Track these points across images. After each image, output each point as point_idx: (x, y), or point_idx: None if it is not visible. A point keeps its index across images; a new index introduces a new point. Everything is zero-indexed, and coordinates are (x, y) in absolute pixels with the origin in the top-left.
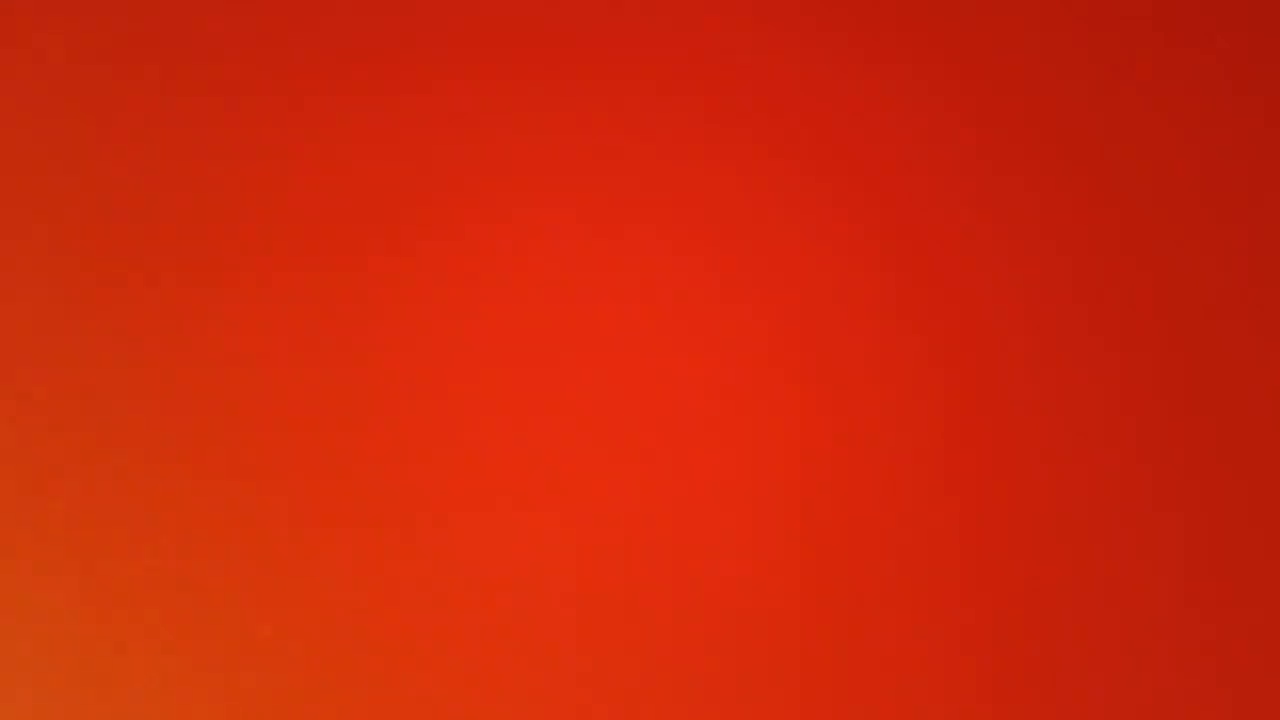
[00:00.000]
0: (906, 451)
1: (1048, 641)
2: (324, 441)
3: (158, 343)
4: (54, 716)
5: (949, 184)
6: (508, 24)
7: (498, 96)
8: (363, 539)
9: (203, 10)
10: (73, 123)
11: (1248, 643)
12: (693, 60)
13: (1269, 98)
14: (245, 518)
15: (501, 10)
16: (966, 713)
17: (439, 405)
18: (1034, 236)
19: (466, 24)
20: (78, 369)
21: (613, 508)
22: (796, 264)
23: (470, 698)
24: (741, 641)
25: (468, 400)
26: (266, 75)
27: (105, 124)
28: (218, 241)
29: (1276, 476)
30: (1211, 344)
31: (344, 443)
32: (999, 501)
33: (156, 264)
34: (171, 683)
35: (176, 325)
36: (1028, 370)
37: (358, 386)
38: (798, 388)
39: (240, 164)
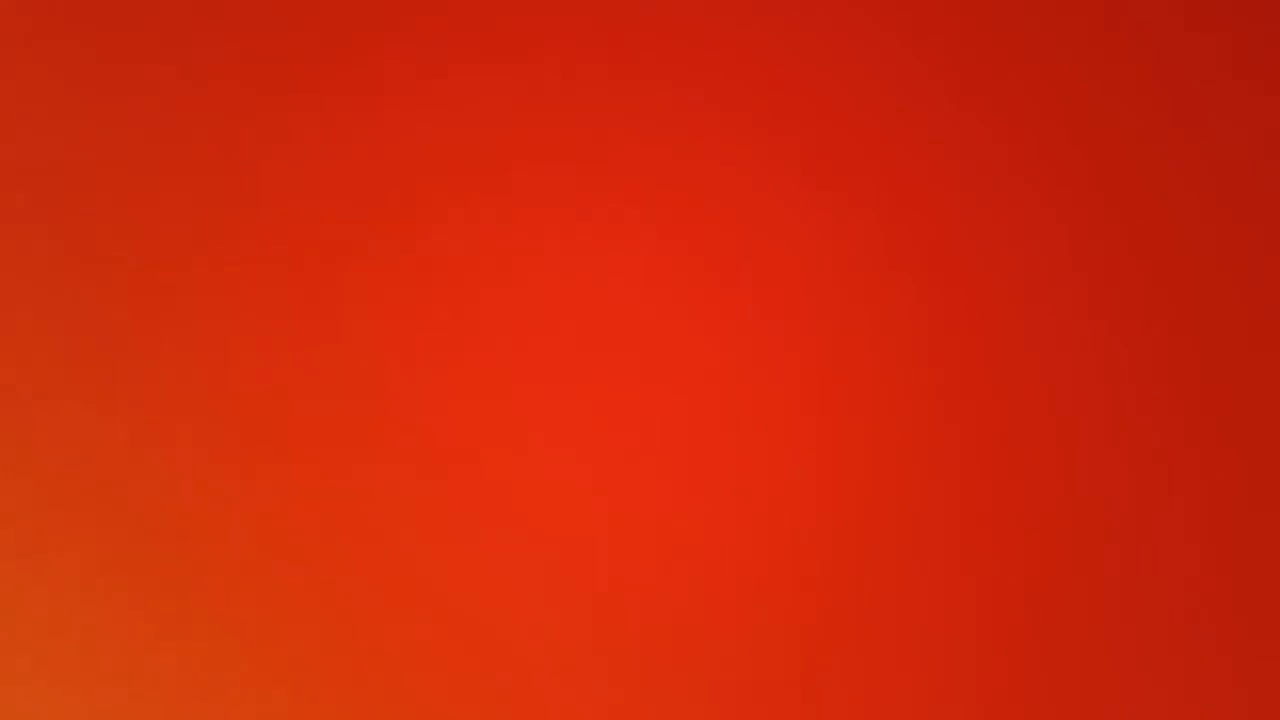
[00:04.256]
0: (915, 449)
1: (1060, 643)
2: (331, 442)
3: (159, 344)
4: None
5: (957, 179)
6: (510, 18)
7: (499, 92)
8: (371, 540)
9: (199, 6)
10: (66, 116)
11: (1259, 641)
12: (694, 53)
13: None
14: (248, 519)
15: (501, 4)
16: (977, 713)
17: (443, 408)
18: (1044, 233)
19: (469, 19)
20: (79, 369)
21: (618, 507)
22: (800, 259)
23: (479, 701)
24: (752, 641)
25: (472, 400)
26: (262, 71)
27: (100, 119)
28: (215, 242)
29: None
30: (1222, 342)
31: (351, 444)
32: (1010, 499)
33: (155, 264)
34: (182, 685)
35: (177, 326)
36: (1040, 367)
37: (364, 387)
38: (801, 383)
39: (238, 159)
